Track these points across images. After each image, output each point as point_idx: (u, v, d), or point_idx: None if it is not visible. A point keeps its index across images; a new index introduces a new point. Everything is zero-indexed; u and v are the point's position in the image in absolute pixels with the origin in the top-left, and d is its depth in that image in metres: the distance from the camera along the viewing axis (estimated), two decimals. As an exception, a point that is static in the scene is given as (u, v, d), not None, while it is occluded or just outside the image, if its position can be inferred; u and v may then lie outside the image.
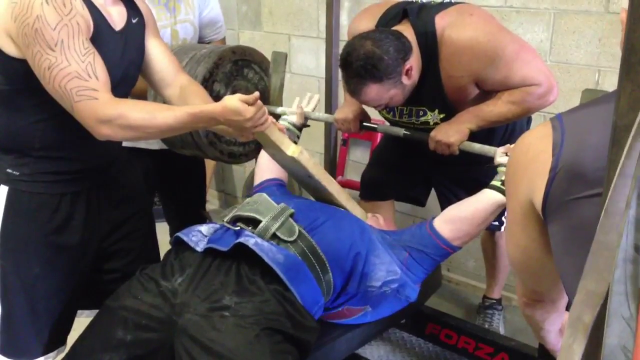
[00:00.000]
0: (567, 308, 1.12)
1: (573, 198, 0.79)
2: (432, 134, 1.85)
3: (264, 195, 1.74)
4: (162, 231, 2.66)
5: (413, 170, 2.22)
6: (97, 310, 1.55)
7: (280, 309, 1.44)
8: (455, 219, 1.71)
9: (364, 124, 2.07)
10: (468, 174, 2.05)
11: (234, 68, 2.12)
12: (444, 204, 2.20)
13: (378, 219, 1.95)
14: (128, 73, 1.42)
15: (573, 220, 0.81)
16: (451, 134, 1.81)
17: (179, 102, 1.58)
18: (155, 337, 1.42)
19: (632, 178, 0.54)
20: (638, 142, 0.53)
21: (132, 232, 1.69)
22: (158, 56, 1.61)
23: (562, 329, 1.17)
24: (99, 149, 1.52)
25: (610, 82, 2.21)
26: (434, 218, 1.75)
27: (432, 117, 1.88)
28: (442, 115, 1.86)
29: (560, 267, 0.87)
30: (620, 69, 0.56)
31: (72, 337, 1.55)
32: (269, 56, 2.26)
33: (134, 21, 1.52)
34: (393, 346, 2.38)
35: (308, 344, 1.49)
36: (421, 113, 1.89)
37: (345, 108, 2.09)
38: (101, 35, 1.37)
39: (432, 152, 1.89)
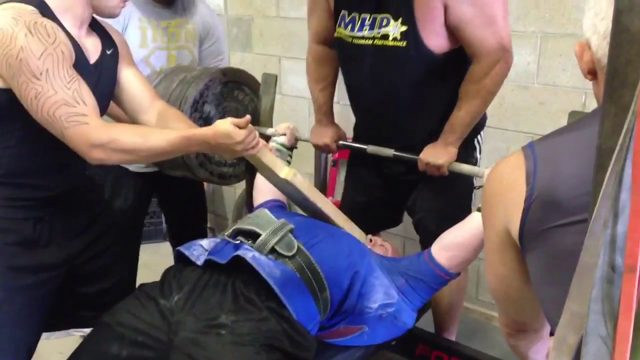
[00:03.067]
0: (552, 334, 1.11)
1: (549, 227, 0.80)
2: (422, 156, 1.86)
3: (265, 210, 1.76)
4: (155, 251, 2.65)
5: (380, 204, 2.16)
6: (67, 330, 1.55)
7: (278, 328, 1.45)
8: (453, 247, 1.73)
9: (341, 142, 2.10)
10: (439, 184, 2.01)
11: (224, 90, 2.13)
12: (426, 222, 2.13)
13: (386, 247, 1.96)
14: (99, 103, 1.43)
15: (550, 249, 0.81)
16: (439, 156, 1.83)
17: (158, 126, 1.60)
18: (151, 356, 1.42)
19: (609, 199, 0.55)
20: (617, 165, 0.54)
21: (103, 252, 1.68)
22: (133, 84, 1.63)
23: (548, 355, 1.16)
24: (64, 177, 1.54)
25: (597, 105, 2.23)
26: (431, 247, 1.77)
27: (393, 28, 1.78)
28: (404, 28, 1.77)
29: (540, 296, 0.87)
30: (604, 92, 0.57)
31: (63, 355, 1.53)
32: (259, 78, 2.27)
33: (108, 52, 1.54)
34: (384, 368, 2.36)
35: None
36: (384, 22, 1.80)
37: (320, 132, 2.12)
38: (77, 69, 1.39)
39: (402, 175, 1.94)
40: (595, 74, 0.81)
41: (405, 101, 1.88)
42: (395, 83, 1.85)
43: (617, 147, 0.54)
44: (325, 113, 2.13)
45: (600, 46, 0.77)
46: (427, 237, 2.02)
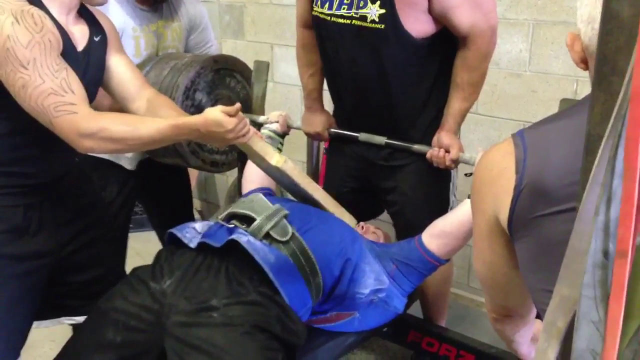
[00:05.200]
0: (538, 317, 1.13)
1: (538, 215, 0.80)
2: (436, 143, 1.87)
3: (260, 195, 1.77)
4: (148, 239, 2.65)
5: (360, 192, 2.16)
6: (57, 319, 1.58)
7: (270, 312, 1.46)
8: (442, 235, 1.74)
9: (332, 130, 2.10)
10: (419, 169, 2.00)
11: (216, 77, 2.12)
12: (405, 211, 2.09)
13: (378, 235, 1.97)
14: (87, 91, 1.42)
15: (539, 238, 0.81)
16: (452, 143, 1.84)
17: (148, 114, 1.59)
18: (144, 339, 1.44)
19: (601, 185, 0.55)
20: (607, 150, 0.54)
21: (91, 241, 1.68)
22: (122, 71, 1.62)
23: (533, 338, 1.18)
24: (53, 164, 1.53)
25: (588, 92, 2.24)
26: (421, 233, 1.78)
27: (371, 10, 1.75)
28: (382, 11, 1.73)
29: (528, 283, 0.88)
30: (593, 79, 0.57)
31: (50, 349, 1.53)
32: (251, 65, 2.27)
33: (96, 39, 1.53)
34: (375, 355, 2.38)
35: (295, 346, 1.51)
36: (361, 3, 1.77)
37: (310, 120, 2.13)
38: (65, 56, 1.38)
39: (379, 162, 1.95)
40: (587, 62, 0.81)
41: (383, 86, 1.85)
42: (372, 66, 1.83)
43: (607, 134, 0.55)
44: (315, 99, 2.13)
45: (586, 33, 0.77)
46: (405, 226, 2.03)
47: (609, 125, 0.55)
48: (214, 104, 2.11)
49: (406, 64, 1.81)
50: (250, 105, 2.24)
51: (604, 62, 0.55)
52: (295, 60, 2.16)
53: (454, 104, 1.85)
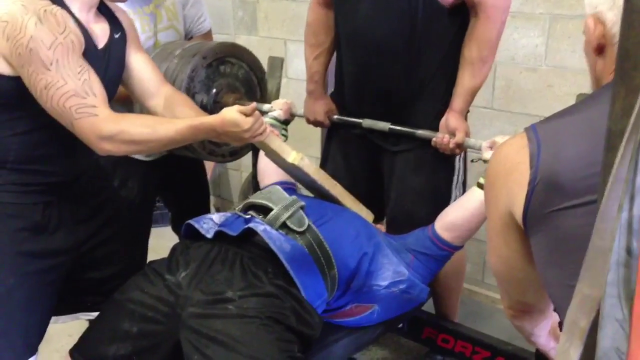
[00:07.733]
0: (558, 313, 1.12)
1: (553, 210, 0.80)
2: (440, 128, 1.85)
3: (277, 187, 1.79)
4: (161, 235, 2.66)
5: (364, 181, 2.12)
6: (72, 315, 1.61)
7: (286, 304, 1.47)
8: (454, 227, 1.75)
9: (335, 117, 2.09)
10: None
11: (209, 71, 2.06)
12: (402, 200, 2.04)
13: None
14: (107, 89, 1.43)
15: (554, 232, 0.81)
16: (458, 125, 1.81)
17: (165, 111, 1.60)
18: (160, 330, 1.45)
19: (624, 182, 0.54)
20: (630, 146, 0.53)
21: (109, 238, 1.69)
22: (141, 68, 1.62)
23: (552, 328, 1.17)
24: (72, 162, 1.54)
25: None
26: (433, 223, 1.79)
27: None
28: None
29: (544, 278, 0.88)
30: (615, 74, 0.56)
31: (67, 344, 1.54)
32: (265, 61, 2.26)
33: (116, 36, 1.53)
34: (389, 350, 2.37)
35: (310, 338, 1.51)
36: None
37: (311, 107, 2.11)
38: (85, 54, 1.38)
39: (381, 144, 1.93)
40: (603, 49, 0.80)
41: (400, 57, 1.82)
42: (390, 34, 1.80)
43: (628, 129, 0.54)
44: (317, 82, 2.11)
45: (618, 22, 0.75)
46: (400, 213, 1.99)
47: (631, 121, 0.54)
48: (215, 98, 2.07)
49: (424, 32, 1.78)
50: (263, 99, 2.22)
51: (625, 57, 0.54)
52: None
53: (463, 81, 1.82)
